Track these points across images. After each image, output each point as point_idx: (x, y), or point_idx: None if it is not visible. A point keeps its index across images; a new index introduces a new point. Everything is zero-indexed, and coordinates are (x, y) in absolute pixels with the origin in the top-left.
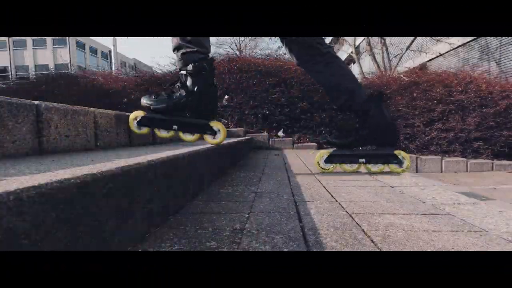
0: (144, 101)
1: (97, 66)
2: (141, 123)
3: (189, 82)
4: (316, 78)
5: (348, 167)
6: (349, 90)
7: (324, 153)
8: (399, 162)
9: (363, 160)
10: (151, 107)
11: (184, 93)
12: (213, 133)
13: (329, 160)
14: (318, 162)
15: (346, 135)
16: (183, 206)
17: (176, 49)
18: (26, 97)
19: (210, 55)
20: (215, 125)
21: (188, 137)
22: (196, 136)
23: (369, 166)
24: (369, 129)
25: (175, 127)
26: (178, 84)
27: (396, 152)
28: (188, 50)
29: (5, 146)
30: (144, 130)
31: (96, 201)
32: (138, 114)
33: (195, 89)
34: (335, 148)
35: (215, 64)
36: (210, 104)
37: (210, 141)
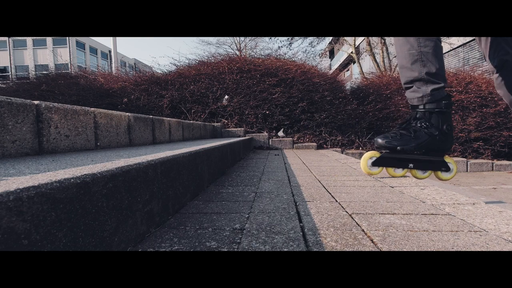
0: (384, 141)
1: (97, 66)
2: (376, 163)
3: (435, 120)
4: None
5: None
6: None
7: None
8: None
9: None
10: (398, 147)
11: (436, 132)
12: (448, 169)
13: None
14: None
15: None
16: (183, 206)
17: (416, 81)
18: (26, 97)
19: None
20: (449, 160)
21: (420, 174)
22: (429, 173)
23: None
24: None
25: (411, 165)
26: (424, 122)
27: None
28: (437, 86)
29: (5, 146)
30: (377, 170)
31: (96, 201)
32: (373, 154)
33: (445, 127)
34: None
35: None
36: (450, 141)
37: (442, 176)
